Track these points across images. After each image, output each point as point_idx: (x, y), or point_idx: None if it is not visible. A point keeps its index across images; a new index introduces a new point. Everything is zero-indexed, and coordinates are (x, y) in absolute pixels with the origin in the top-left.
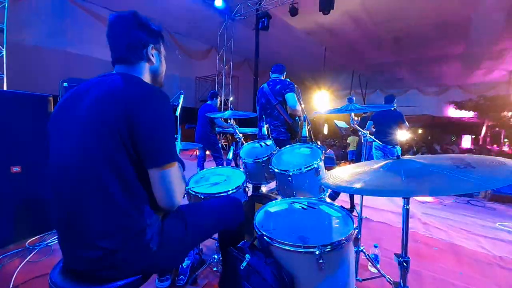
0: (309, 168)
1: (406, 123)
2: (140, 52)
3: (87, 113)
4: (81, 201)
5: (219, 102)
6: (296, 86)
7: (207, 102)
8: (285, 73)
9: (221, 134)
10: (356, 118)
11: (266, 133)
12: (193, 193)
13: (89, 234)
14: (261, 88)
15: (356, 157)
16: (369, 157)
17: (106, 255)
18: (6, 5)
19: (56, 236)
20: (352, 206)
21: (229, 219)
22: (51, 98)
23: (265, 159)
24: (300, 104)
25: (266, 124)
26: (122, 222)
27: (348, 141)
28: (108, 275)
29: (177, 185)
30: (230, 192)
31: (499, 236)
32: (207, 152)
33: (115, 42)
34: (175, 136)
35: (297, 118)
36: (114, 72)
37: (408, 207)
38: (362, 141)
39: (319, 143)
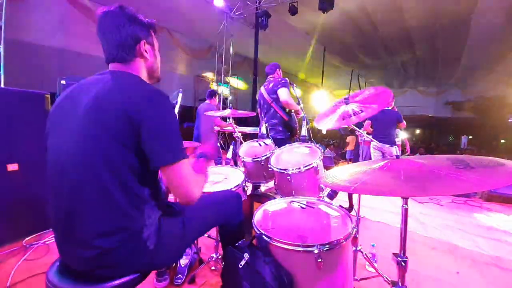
0: (308, 167)
1: (404, 122)
2: (133, 49)
3: (85, 113)
4: (80, 200)
5: (217, 101)
6: (291, 82)
7: (206, 101)
8: (277, 69)
9: (219, 133)
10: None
11: (265, 132)
12: None
13: (86, 234)
14: (259, 90)
15: (354, 157)
16: (365, 157)
17: (103, 254)
18: (4, 3)
19: (53, 235)
20: (351, 205)
21: (228, 212)
22: (48, 96)
23: (264, 158)
24: (299, 103)
25: (265, 123)
26: (120, 222)
27: (347, 141)
28: (106, 274)
29: (192, 178)
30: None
31: (496, 236)
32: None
33: (106, 40)
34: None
35: (293, 114)
36: (108, 70)
37: (406, 207)
38: (360, 140)
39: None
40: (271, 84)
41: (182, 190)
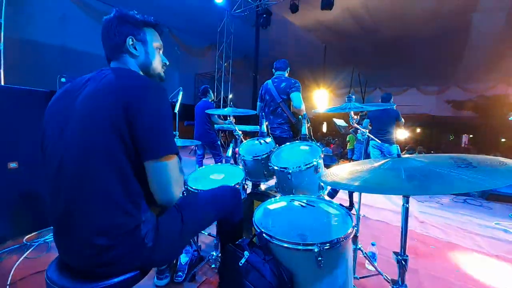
0: (308, 166)
1: (402, 120)
2: (121, 46)
3: (82, 108)
4: (79, 197)
5: (213, 96)
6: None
7: (203, 99)
8: (288, 69)
9: (219, 131)
10: (355, 117)
11: (265, 130)
12: (192, 190)
13: (85, 231)
14: (265, 84)
15: (350, 155)
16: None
17: (101, 252)
18: (4, 0)
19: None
20: (351, 204)
21: (228, 207)
22: (49, 93)
23: (264, 156)
24: None
25: (266, 121)
26: (118, 219)
27: (348, 140)
28: (104, 271)
29: (175, 178)
30: None
31: (496, 235)
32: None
33: (102, 43)
34: (174, 133)
35: (300, 117)
36: (108, 67)
37: (407, 205)
38: (361, 139)
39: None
40: (283, 84)
41: (164, 188)
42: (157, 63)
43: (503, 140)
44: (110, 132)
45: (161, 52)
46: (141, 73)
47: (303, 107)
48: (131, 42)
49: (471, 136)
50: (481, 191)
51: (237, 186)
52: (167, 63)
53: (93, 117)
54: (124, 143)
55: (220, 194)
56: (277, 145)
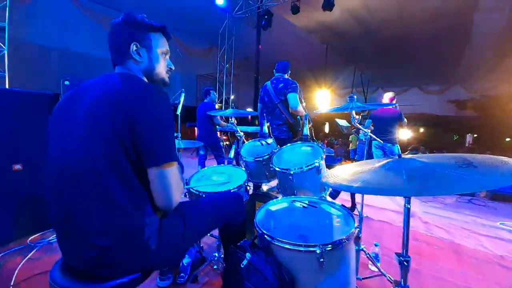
0: (310, 167)
1: (405, 120)
2: (125, 51)
3: (86, 113)
4: (81, 200)
5: (216, 98)
6: (298, 85)
7: (205, 101)
8: (289, 71)
9: (221, 133)
10: (357, 117)
11: (267, 131)
12: (194, 191)
13: (87, 233)
14: (264, 85)
15: (353, 155)
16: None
17: (103, 254)
18: (8, 4)
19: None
20: (353, 205)
21: (230, 214)
22: (53, 96)
23: (266, 157)
24: (302, 102)
25: (267, 122)
26: (121, 221)
27: (350, 140)
28: (107, 273)
29: (175, 185)
30: (232, 191)
31: (500, 235)
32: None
33: (109, 46)
34: (176, 134)
35: (298, 117)
36: (115, 72)
37: (409, 206)
38: (364, 139)
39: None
40: (281, 85)
41: (165, 194)
42: (161, 69)
43: (507, 139)
44: (111, 137)
45: (167, 57)
46: (144, 78)
47: (300, 108)
48: (135, 48)
49: (475, 135)
50: (486, 191)
51: (240, 188)
52: (173, 68)
53: (95, 123)
54: (126, 149)
55: (223, 201)
56: (278, 146)
